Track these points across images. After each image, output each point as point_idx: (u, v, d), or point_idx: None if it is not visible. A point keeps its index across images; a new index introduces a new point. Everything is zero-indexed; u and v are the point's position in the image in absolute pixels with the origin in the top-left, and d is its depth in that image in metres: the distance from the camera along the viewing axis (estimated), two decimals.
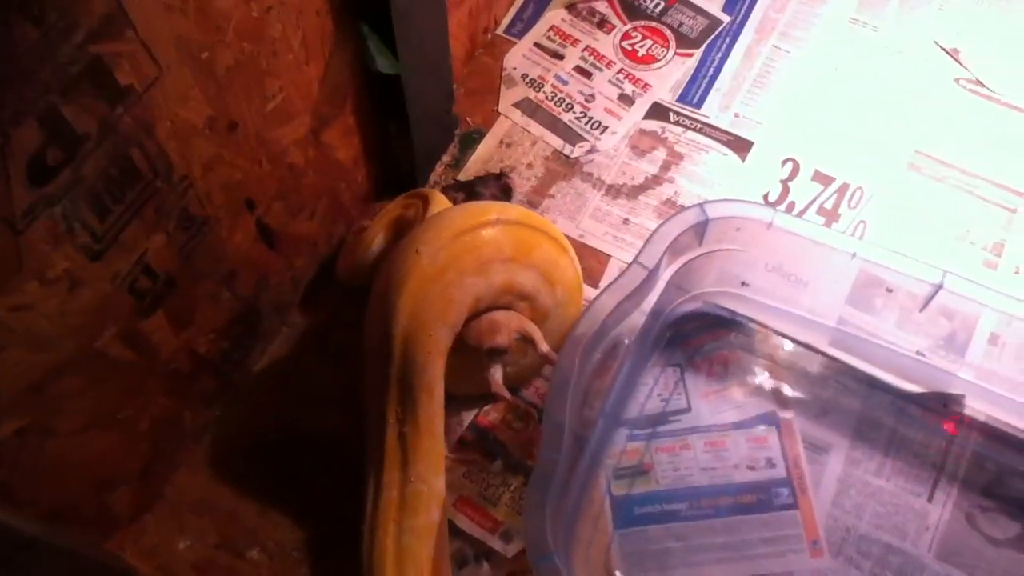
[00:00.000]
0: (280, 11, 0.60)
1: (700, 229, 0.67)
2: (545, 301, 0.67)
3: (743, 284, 0.73)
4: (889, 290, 0.67)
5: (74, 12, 0.45)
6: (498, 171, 0.84)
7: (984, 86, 0.87)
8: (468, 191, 0.83)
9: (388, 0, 0.65)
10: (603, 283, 0.77)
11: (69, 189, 0.49)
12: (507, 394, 0.65)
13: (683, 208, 0.68)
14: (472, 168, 0.84)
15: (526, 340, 0.65)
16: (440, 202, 0.74)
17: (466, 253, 0.63)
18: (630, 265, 0.64)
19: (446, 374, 0.64)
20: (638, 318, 0.68)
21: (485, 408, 0.72)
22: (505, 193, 0.83)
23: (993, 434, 0.69)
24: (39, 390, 0.53)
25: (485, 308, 0.65)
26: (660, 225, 0.65)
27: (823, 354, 0.73)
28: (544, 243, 0.67)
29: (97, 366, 0.57)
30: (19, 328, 0.49)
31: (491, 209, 0.65)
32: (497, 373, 0.65)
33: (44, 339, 0.52)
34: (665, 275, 0.69)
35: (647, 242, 0.65)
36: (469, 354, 0.64)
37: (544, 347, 0.65)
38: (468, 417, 0.72)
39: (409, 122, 0.76)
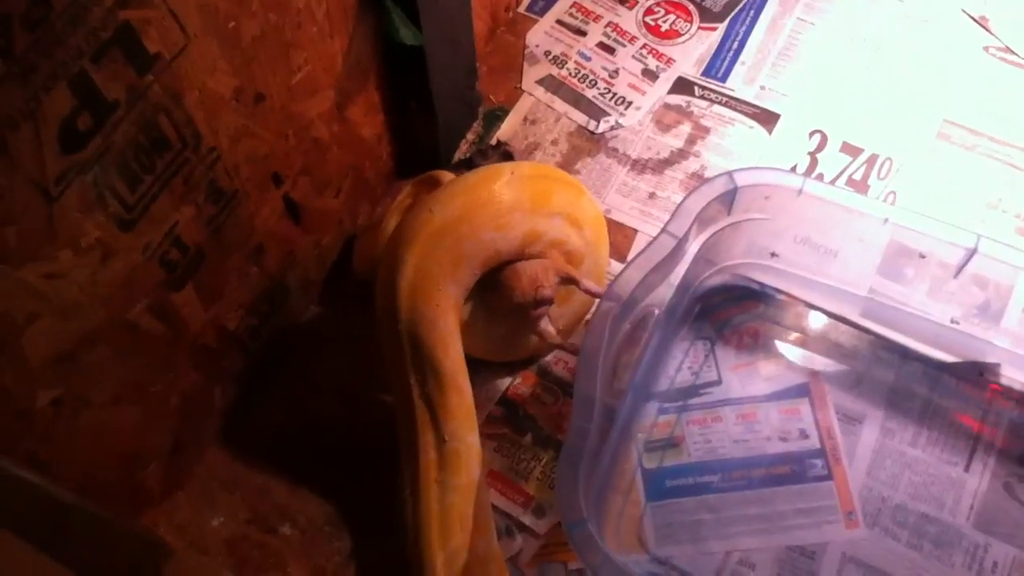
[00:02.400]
0: None
1: (728, 198, 0.66)
2: (576, 243, 0.67)
3: (772, 255, 0.72)
4: (922, 256, 0.66)
5: None
6: (498, 142, 0.83)
7: (1014, 53, 0.86)
8: (469, 165, 0.82)
9: None
10: (630, 257, 0.77)
11: (100, 157, 0.49)
12: (565, 341, 0.67)
13: (711, 178, 0.67)
14: (495, 146, 0.83)
15: (567, 283, 0.66)
16: (448, 177, 0.74)
17: (481, 208, 0.63)
18: (658, 235, 0.63)
19: (478, 343, 0.64)
20: (666, 290, 0.67)
21: (515, 382, 0.72)
22: (507, 160, 0.83)
23: None
24: (72, 360, 0.53)
25: (509, 261, 0.64)
26: (688, 194, 0.65)
27: (854, 325, 0.72)
28: (561, 189, 0.67)
29: (128, 338, 0.57)
30: (52, 296, 0.50)
31: (503, 167, 0.66)
32: (548, 325, 0.65)
33: (76, 308, 0.52)
34: (693, 247, 0.68)
35: (675, 212, 0.64)
36: (509, 316, 0.65)
37: (588, 283, 0.66)
38: (498, 392, 0.72)
39: (432, 98, 0.76)
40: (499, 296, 0.65)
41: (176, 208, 0.56)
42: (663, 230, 0.63)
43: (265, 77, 0.60)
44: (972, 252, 0.63)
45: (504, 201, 0.64)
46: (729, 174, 0.65)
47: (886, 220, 0.64)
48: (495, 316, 0.67)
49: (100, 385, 0.57)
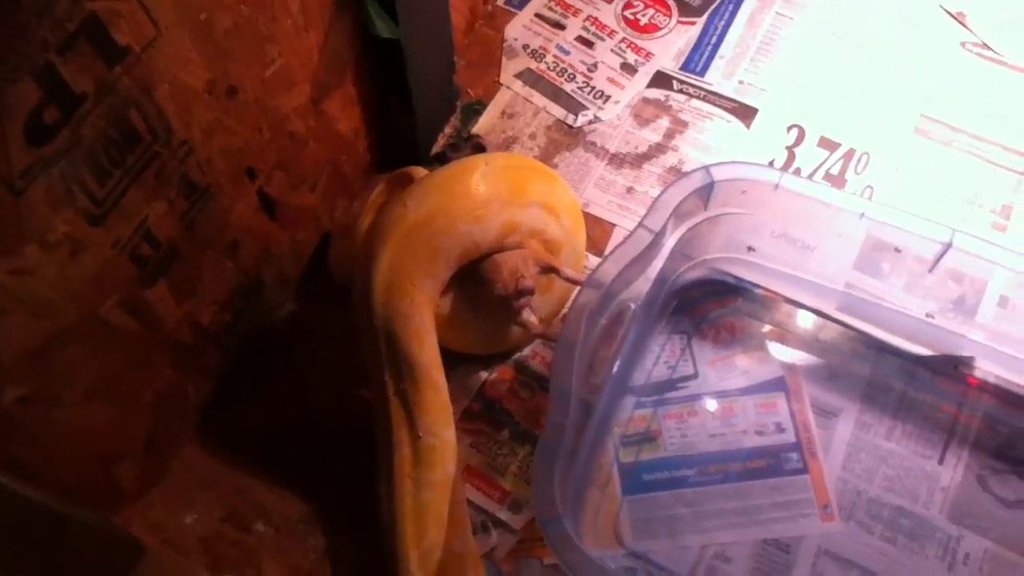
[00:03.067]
0: None
1: (706, 192, 0.66)
2: (554, 232, 0.67)
3: (749, 249, 0.72)
4: (898, 250, 0.66)
5: None
6: (468, 134, 0.83)
7: (991, 49, 0.86)
8: (442, 159, 0.82)
9: None
10: (608, 251, 0.77)
11: (68, 150, 0.48)
12: (547, 330, 0.68)
13: (689, 177, 0.67)
14: (472, 141, 0.83)
15: (547, 271, 0.66)
16: (421, 172, 0.73)
17: (456, 201, 0.63)
18: (635, 229, 0.63)
19: (461, 336, 0.64)
20: (643, 285, 0.67)
21: (491, 378, 0.72)
22: (479, 152, 0.82)
23: (1004, 396, 0.68)
24: (42, 358, 0.52)
25: (488, 253, 0.64)
26: (665, 189, 0.65)
27: (831, 319, 0.72)
28: (536, 178, 0.67)
29: (100, 335, 0.56)
30: (20, 292, 0.49)
31: (477, 159, 0.66)
32: (530, 315, 0.66)
33: (46, 305, 0.51)
34: (670, 241, 0.68)
35: (652, 206, 0.64)
36: (491, 308, 0.65)
37: (568, 271, 0.67)
38: (474, 387, 0.71)
39: (410, 92, 0.75)
40: (480, 289, 0.65)
41: (147, 202, 0.56)
42: (640, 224, 0.63)
43: (239, 70, 0.59)
44: (947, 246, 0.63)
45: (480, 193, 0.64)
46: (706, 168, 0.65)
47: (862, 215, 0.64)
48: (476, 309, 0.67)
49: (72, 383, 0.56)
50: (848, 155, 0.81)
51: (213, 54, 0.56)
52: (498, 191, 0.64)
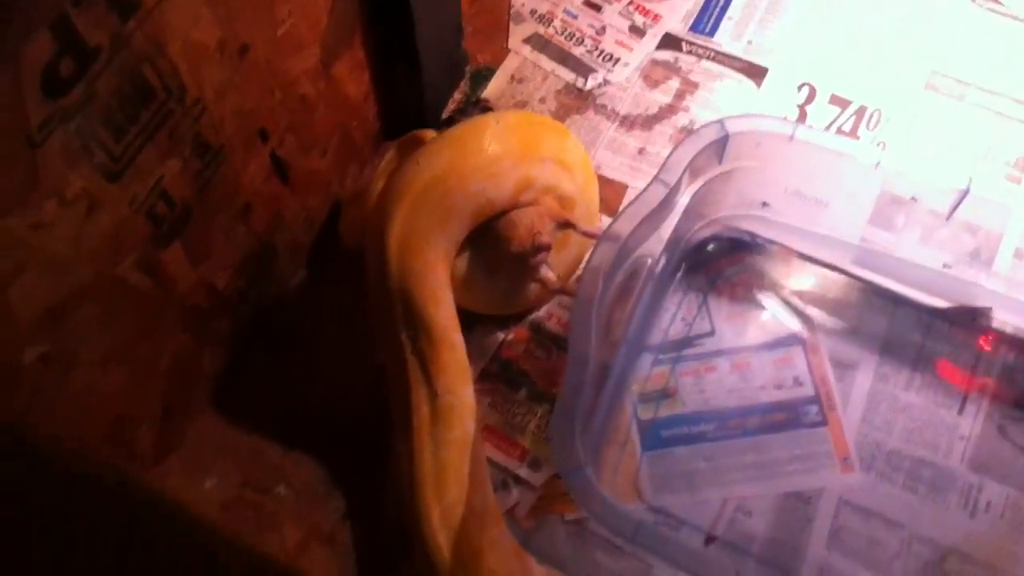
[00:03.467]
0: None
1: (720, 146, 0.66)
2: (568, 188, 0.67)
3: (764, 205, 0.72)
4: (914, 199, 0.66)
5: None
6: (476, 99, 0.83)
7: (1001, 3, 0.86)
8: (451, 125, 0.81)
9: None
10: (620, 209, 0.76)
11: (84, 105, 0.48)
12: (565, 286, 0.68)
13: (701, 135, 0.67)
14: (481, 105, 0.83)
15: (564, 227, 0.66)
16: (430, 135, 0.73)
17: (469, 157, 0.62)
18: (650, 184, 0.63)
19: (478, 296, 0.64)
20: (658, 242, 0.67)
21: (508, 338, 0.72)
22: None
23: (1022, 346, 0.68)
24: (59, 316, 0.52)
25: (503, 211, 0.64)
26: (679, 144, 0.64)
27: (847, 273, 0.72)
28: (548, 133, 0.67)
29: (116, 294, 0.56)
30: (38, 248, 0.49)
31: (488, 117, 0.66)
32: (548, 271, 0.66)
33: (63, 262, 0.51)
34: (684, 198, 0.67)
35: (666, 161, 0.64)
36: (508, 267, 0.65)
37: (585, 226, 0.67)
38: (491, 347, 0.71)
39: (418, 58, 0.75)
40: (496, 247, 0.65)
41: (162, 161, 0.55)
42: (655, 178, 0.63)
43: (249, 30, 0.59)
44: (964, 194, 0.63)
45: (492, 150, 0.63)
46: (720, 122, 0.65)
47: (877, 164, 0.64)
48: (493, 268, 0.66)
49: (88, 343, 0.56)
50: (860, 112, 0.81)
51: (224, 12, 0.56)
52: (510, 147, 0.64)
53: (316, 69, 0.68)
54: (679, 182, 0.64)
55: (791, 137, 0.65)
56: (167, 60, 0.53)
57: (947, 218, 0.67)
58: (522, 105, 0.83)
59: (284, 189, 0.70)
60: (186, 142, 0.57)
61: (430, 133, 0.72)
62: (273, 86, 0.64)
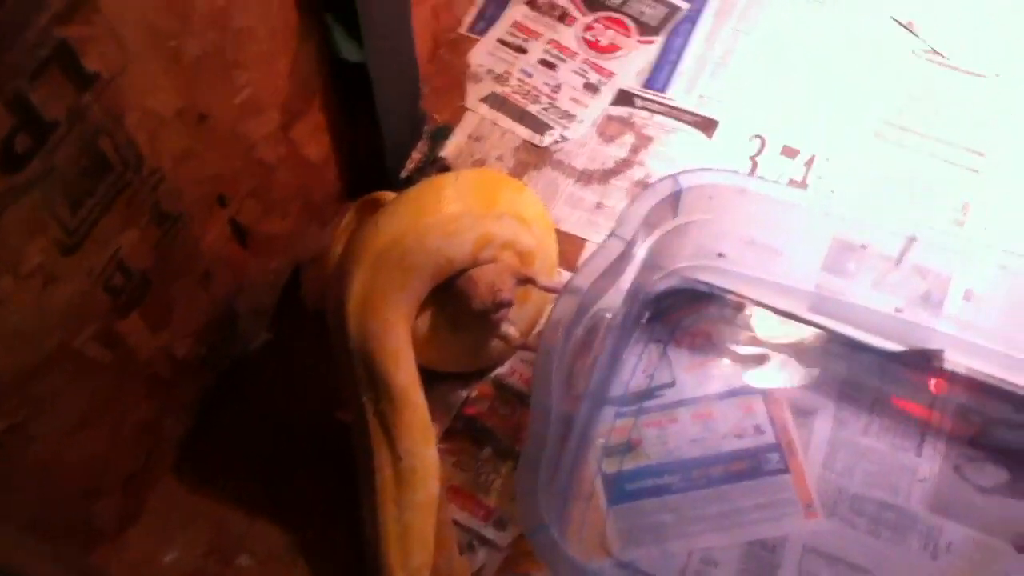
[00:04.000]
0: (246, 1, 0.60)
1: (674, 200, 0.67)
2: (527, 242, 0.68)
3: (719, 255, 0.73)
4: (863, 247, 0.67)
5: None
6: (434, 158, 0.84)
7: (940, 55, 0.89)
8: (411, 184, 0.82)
9: (365, 9, 0.66)
10: (580, 262, 0.77)
11: (40, 179, 0.48)
12: (527, 342, 0.69)
13: (656, 188, 0.68)
14: (439, 163, 0.84)
15: (524, 283, 0.67)
16: (389, 196, 0.74)
17: (427, 216, 0.63)
18: (607, 239, 0.64)
19: (442, 354, 0.64)
20: (617, 295, 0.68)
21: (471, 396, 0.72)
22: None
23: (975, 386, 0.70)
24: (17, 390, 0.52)
25: (463, 268, 0.65)
26: (634, 199, 0.66)
27: (803, 320, 0.74)
28: (505, 189, 0.68)
29: (75, 367, 0.56)
30: None
31: (446, 176, 0.68)
32: (510, 328, 0.67)
33: (20, 336, 0.51)
34: (641, 251, 0.69)
35: (622, 216, 0.65)
36: (470, 324, 0.65)
37: (545, 281, 0.67)
38: (454, 405, 0.71)
39: (378, 117, 0.76)
40: (457, 305, 0.65)
41: (119, 231, 0.55)
42: (611, 234, 0.64)
43: (208, 97, 0.60)
44: (911, 240, 0.65)
45: (450, 208, 0.64)
46: (673, 176, 0.67)
47: (827, 213, 0.66)
48: (456, 326, 0.67)
49: (48, 416, 0.55)
50: (810, 161, 0.83)
51: (182, 81, 0.57)
52: (468, 205, 0.65)
53: (276, 133, 0.68)
54: (635, 236, 0.66)
55: (742, 189, 0.66)
56: (124, 131, 0.53)
57: (897, 263, 0.68)
58: (481, 163, 0.84)
59: (244, 253, 0.70)
60: (144, 212, 0.57)
61: (389, 195, 0.72)
62: (232, 152, 0.64)
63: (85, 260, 0.53)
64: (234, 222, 0.67)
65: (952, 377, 0.70)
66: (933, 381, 0.70)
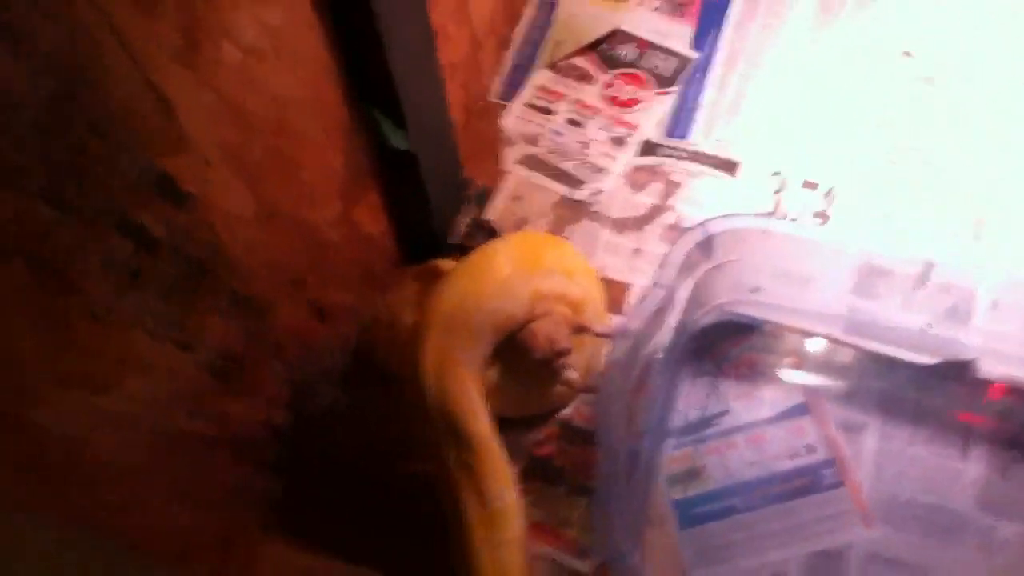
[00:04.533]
0: (300, 107, 0.67)
1: (707, 244, 0.73)
2: (576, 293, 0.74)
3: (755, 290, 0.78)
4: (889, 273, 0.73)
5: (141, 130, 0.51)
6: (481, 222, 0.90)
7: (940, 79, 0.94)
8: (461, 247, 0.89)
9: (394, 84, 0.72)
10: (626, 308, 0.83)
11: (148, 284, 0.55)
12: (587, 384, 0.74)
13: (687, 230, 0.74)
14: (484, 225, 0.90)
15: (579, 331, 0.72)
16: (447, 264, 0.81)
17: (484, 281, 0.70)
18: (650, 288, 0.70)
19: (510, 402, 0.70)
20: (665, 335, 0.74)
21: (540, 438, 0.77)
22: (492, 236, 0.90)
23: (1010, 390, 0.74)
24: (131, 467, 0.58)
25: (522, 323, 0.71)
26: (671, 249, 0.72)
27: (840, 342, 0.79)
28: (548, 246, 0.76)
29: (178, 442, 0.62)
30: (111, 411, 0.55)
31: (495, 243, 0.74)
32: (571, 373, 0.72)
33: (131, 420, 0.57)
34: (683, 292, 0.74)
35: (662, 264, 0.71)
36: (533, 373, 0.71)
37: (598, 327, 0.73)
38: (526, 449, 0.77)
39: (425, 190, 0.83)
40: (521, 357, 0.71)
41: (217, 322, 0.62)
42: (654, 283, 0.70)
43: (277, 195, 0.66)
44: (932, 264, 0.70)
45: (503, 271, 0.71)
46: (703, 225, 0.72)
47: (850, 241, 0.71)
48: (520, 375, 0.73)
49: (154, 488, 0.62)
50: (829, 193, 0.88)
51: (255, 184, 0.63)
52: (519, 266, 0.71)
53: (338, 217, 0.75)
54: (676, 280, 0.72)
55: (767, 232, 0.72)
56: (213, 235, 0.60)
57: (922, 283, 0.73)
58: (523, 221, 0.90)
59: (318, 325, 0.76)
60: (234, 302, 0.64)
61: (445, 263, 0.79)
62: (302, 239, 0.71)
63: (189, 349, 0.60)
64: (309, 300, 0.73)
65: (987, 384, 0.75)
66: (969, 389, 0.75)
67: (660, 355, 0.73)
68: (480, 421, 0.68)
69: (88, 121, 0.47)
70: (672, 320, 0.74)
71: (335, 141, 0.72)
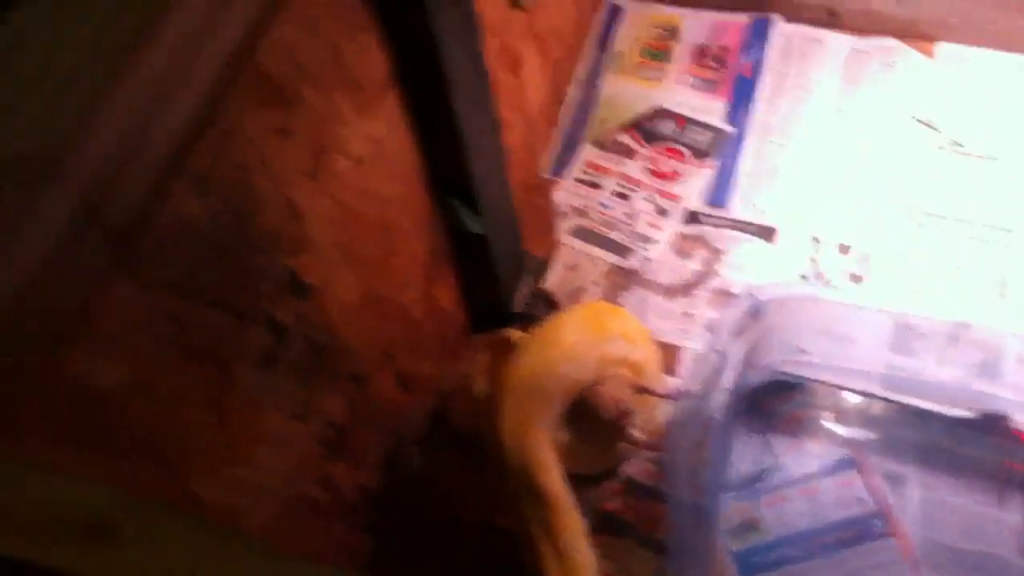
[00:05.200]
0: (394, 204, 0.75)
1: (753, 311, 0.81)
2: (636, 356, 0.81)
3: (801, 351, 0.85)
4: (922, 333, 0.80)
5: (278, 236, 0.59)
6: (540, 292, 0.98)
7: (961, 145, 1.02)
8: (523, 316, 0.96)
9: (471, 176, 0.81)
10: (679, 370, 0.90)
11: (281, 368, 0.62)
12: (651, 443, 0.80)
13: (734, 296, 0.82)
14: (542, 294, 0.98)
15: (640, 392, 0.79)
16: (515, 334, 0.88)
17: (553, 349, 0.78)
18: (705, 353, 0.77)
19: (579, 461, 0.77)
20: (721, 396, 0.81)
21: (607, 493, 0.84)
22: (552, 307, 0.97)
23: None
24: (268, 531, 0.65)
25: (589, 386, 0.78)
26: (722, 316, 0.79)
27: (880, 398, 0.85)
28: (611, 314, 0.83)
29: (299, 508, 0.69)
30: (249, 485, 0.62)
31: (561, 315, 0.81)
32: (635, 432, 0.79)
33: (263, 491, 0.64)
34: (735, 355, 0.82)
35: (714, 331, 0.79)
36: (600, 433, 0.78)
37: (658, 387, 0.80)
38: (594, 504, 0.83)
39: (494, 266, 0.90)
40: (589, 418, 0.79)
41: (329, 397, 0.70)
42: (710, 349, 0.77)
43: (375, 280, 0.74)
44: (961, 325, 0.77)
45: (571, 340, 0.78)
46: (751, 293, 0.80)
47: (885, 303, 0.78)
48: (588, 435, 0.80)
49: (283, 549, 0.69)
50: (864, 256, 0.96)
51: (360, 275, 0.71)
52: (584, 334, 0.79)
53: (422, 296, 0.83)
54: (728, 344, 0.79)
55: (808, 298, 0.79)
56: (329, 320, 0.68)
57: (954, 341, 0.80)
58: (579, 290, 0.98)
59: (405, 394, 0.84)
60: (342, 378, 0.71)
61: (515, 333, 0.86)
62: (394, 318, 0.79)
63: (310, 424, 0.67)
64: (397, 371, 0.81)
65: (1019, 435, 0.81)
66: (1004, 440, 0.81)
67: (717, 415, 0.80)
68: (554, 479, 0.75)
69: (246, 237, 0.55)
70: (726, 381, 0.81)
71: (419, 230, 0.80)
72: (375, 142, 0.68)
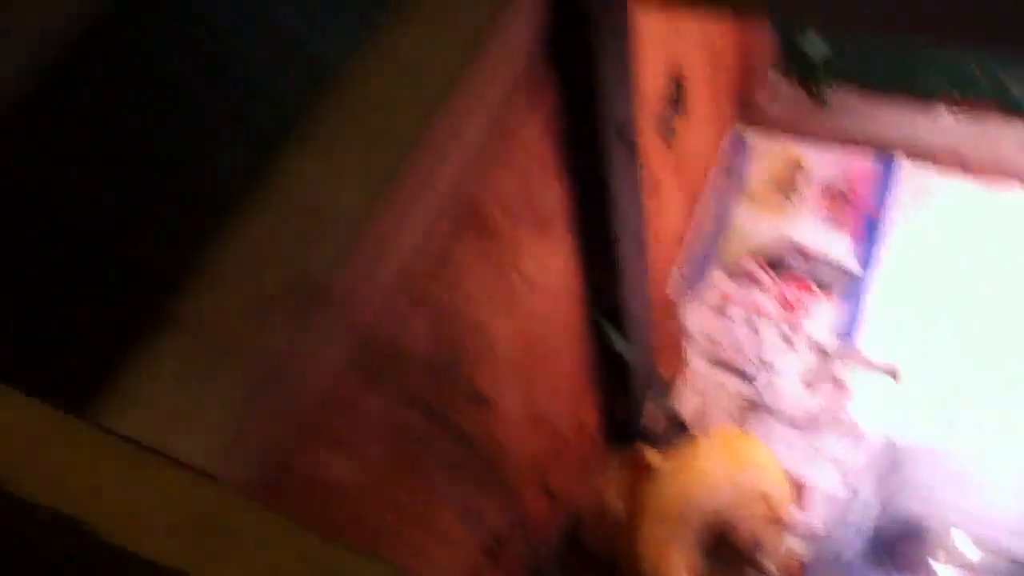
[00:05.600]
0: (555, 326, 0.81)
1: (886, 454, 0.83)
2: (769, 487, 0.85)
3: (926, 494, 0.87)
4: None
5: (467, 352, 0.65)
6: (674, 413, 1.02)
7: None
8: (653, 434, 1.00)
9: (625, 302, 0.86)
10: (806, 503, 0.92)
11: (459, 474, 0.68)
12: (782, 571, 0.82)
13: (862, 434, 0.84)
14: (669, 413, 1.02)
15: (774, 523, 0.83)
16: (652, 455, 0.92)
17: (691, 477, 0.83)
18: (834, 495, 0.80)
19: None
20: (849, 535, 0.83)
21: None
22: (681, 427, 1.01)
23: None
24: None
25: (727, 515, 0.81)
26: (851, 455, 0.82)
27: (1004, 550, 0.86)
28: (744, 443, 0.88)
29: None
30: None
31: (698, 442, 0.84)
32: (769, 564, 0.81)
33: None
34: (867, 497, 0.84)
35: (843, 471, 0.82)
36: (736, 562, 0.81)
37: (792, 520, 0.84)
38: None
39: (632, 385, 0.95)
40: (723, 546, 0.81)
41: (490, 504, 0.75)
42: (842, 489, 0.80)
43: (536, 398, 0.80)
44: None
45: (709, 468, 0.81)
46: (884, 435, 0.83)
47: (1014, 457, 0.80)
48: (725, 564, 0.82)
49: None
50: (995, 403, 0.97)
51: (526, 390, 0.77)
52: (721, 463, 0.83)
53: (571, 415, 0.88)
54: (860, 486, 0.81)
55: (940, 441, 0.82)
56: (502, 431, 0.73)
57: None
58: (704, 414, 1.01)
59: (552, 512, 0.88)
60: (506, 489, 0.76)
61: (652, 453, 0.90)
62: (548, 438, 0.84)
63: (473, 529, 0.72)
64: (546, 487, 0.85)
65: None
66: None
67: (849, 553, 0.82)
68: None
69: (445, 350, 0.61)
70: (853, 518, 0.83)
71: (573, 351, 0.86)
72: (546, 267, 0.74)
